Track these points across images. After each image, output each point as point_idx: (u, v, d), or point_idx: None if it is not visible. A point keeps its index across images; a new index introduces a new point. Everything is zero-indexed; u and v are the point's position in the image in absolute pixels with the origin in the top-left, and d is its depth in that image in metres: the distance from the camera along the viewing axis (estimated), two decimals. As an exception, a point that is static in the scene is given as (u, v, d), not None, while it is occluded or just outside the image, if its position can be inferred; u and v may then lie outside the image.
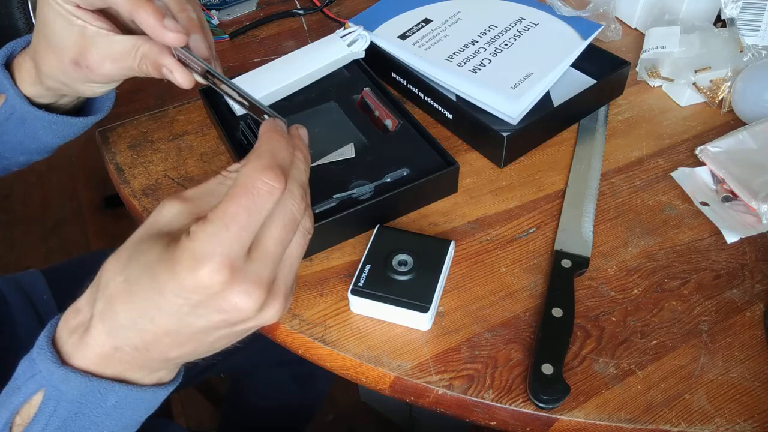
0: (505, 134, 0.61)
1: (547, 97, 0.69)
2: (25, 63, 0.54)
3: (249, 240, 0.33)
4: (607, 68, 0.70)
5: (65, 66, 0.50)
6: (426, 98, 0.69)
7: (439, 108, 0.68)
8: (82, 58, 0.49)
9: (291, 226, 0.35)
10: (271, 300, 0.34)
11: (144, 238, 0.35)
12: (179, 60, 0.47)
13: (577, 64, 0.72)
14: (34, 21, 0.92)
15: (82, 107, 0.61)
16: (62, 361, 0.36)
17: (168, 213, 0.35)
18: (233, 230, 0.32)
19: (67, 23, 0.48)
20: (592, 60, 0.72)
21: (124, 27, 0.51)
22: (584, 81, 0.72)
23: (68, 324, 0.37)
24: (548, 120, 0.66)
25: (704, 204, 0.60)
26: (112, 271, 0.35)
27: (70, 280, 0.40)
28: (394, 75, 0.73)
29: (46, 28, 0.49)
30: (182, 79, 0.48)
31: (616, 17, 0.80)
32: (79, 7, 0.47)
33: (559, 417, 0.45)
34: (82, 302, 0.37)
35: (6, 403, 0.37)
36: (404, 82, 0.72)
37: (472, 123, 0.64)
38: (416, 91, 0.70)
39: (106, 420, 0.37)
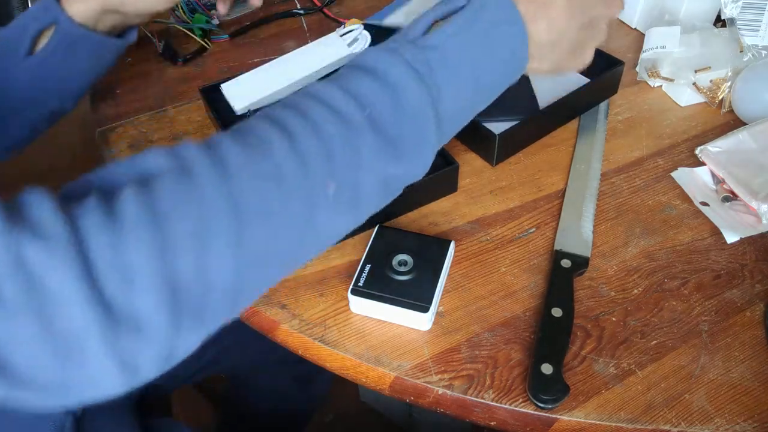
0: (496, 132, 0.61)
1: (534, 96, 0.69)
2: None
3: None
4: (602, 68, 0.70)
5: None
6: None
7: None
8: None
9: None
10: None
11: None
12: None
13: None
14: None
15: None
16: None
17: None
18: None
19: None
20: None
21: None
22: (579, 80, 0.72)
23: None
24: (540, 118, 0.66)
25: (704, 204, 0.60)
26: None
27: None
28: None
29: None
30: None
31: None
32: None
33: (559, 417, 0.45)
34: None
35: None
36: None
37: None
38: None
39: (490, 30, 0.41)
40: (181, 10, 0.82)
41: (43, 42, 0.59)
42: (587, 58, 0.48)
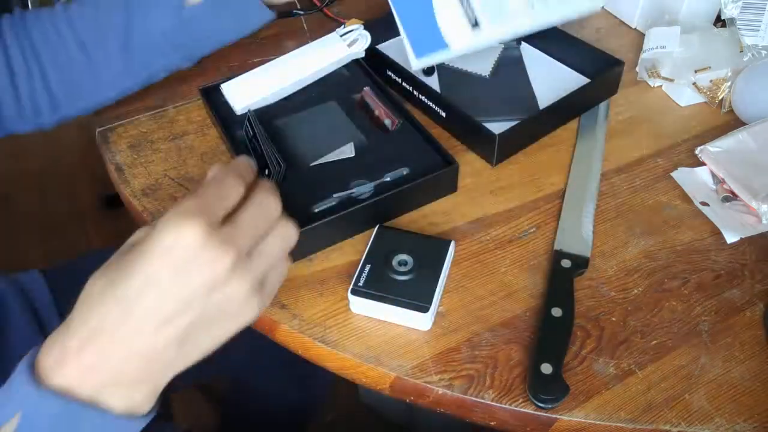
0: (496, 132, 0.61)
1: (534, 96, 0.69)
2: None
3: (221, 208, 0.37)
4: (602, 68, 0.70)
5: None
6: (420, 96, 0.69)
7: (433, 105, 0.68)
8: None
9: (264, 214, 0.39)
10: (244, 272, 0.36)
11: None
12: None
13: (572, 63, 0.72)
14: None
15: None
16: (41, 382, 0.36)
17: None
18: (204, 196, 0.36)
19: None
20: (587, 59, 0.72)
21: None
22: (579, 80, 0.72)
23: (52, 339, 0.37)
24: (540, 118, 0.66)
25: (704, 204, 0.60)
26: (92, 278, 0.37)
27: (70, 281, 0.40)
28: (389, 73, 0.73)
29: None
30: None
31: (614, 16, 0.80)
32: None
33: (559, 417, 0.45)
34: (66, 322, 0.37)
35: None
36: (399, 80, 0.72)
37: (463, 120, 0.64)
38: (411, 89, 0.70)
39: None
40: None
41: None
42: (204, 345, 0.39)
